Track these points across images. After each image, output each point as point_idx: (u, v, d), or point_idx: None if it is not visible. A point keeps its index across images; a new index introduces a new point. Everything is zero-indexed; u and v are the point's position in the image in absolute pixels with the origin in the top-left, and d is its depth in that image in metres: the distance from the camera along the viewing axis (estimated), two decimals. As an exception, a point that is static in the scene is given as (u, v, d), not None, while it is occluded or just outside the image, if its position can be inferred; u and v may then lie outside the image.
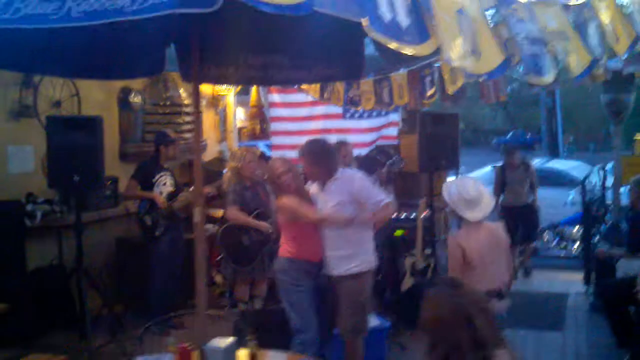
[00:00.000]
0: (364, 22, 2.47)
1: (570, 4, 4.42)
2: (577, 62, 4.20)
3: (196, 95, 3.24)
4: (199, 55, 3.19)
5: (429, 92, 6.81)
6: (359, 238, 4.54)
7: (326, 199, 4.49)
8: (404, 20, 2.70)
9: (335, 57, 3.53)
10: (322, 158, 4.49)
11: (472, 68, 3.15)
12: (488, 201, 4.17)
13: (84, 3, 2.01)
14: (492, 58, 3.26)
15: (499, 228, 4.35)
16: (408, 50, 2.69)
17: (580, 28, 4.35)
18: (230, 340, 3.30)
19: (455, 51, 2.94)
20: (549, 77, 3.83)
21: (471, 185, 4.14)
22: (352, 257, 4.50)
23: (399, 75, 6.74)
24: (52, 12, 2.04)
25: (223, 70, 3.60)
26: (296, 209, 4.45)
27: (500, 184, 8.44)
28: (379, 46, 2.77)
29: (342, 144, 6.23)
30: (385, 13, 2.59)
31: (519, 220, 8.12)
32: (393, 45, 2.63)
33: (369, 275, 4.62)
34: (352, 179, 4.54)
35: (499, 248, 4.20)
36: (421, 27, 2.81)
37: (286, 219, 4.56)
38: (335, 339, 4.87)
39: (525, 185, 8.31)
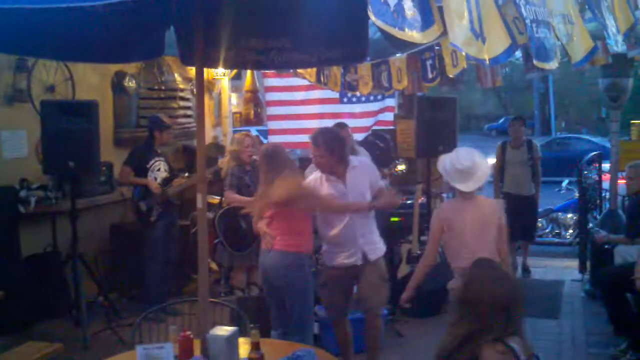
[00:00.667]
0: (370, 13, 2.42)
1: None
2: (578, 48, 4.17)
3: (200, 78, 3.18)
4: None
5: (431, 76, 6.73)
6: (374, 222, 4.64)
7: (347, 189, 4.46)
8: (408, 5, 2.65)
9: (338, 39, 3.46)
10: (337, 147, 4.45)
11: (477, 53, 3.10)
12: (483, 172, 4.03)
13: (87, -18, 1.94)
14: (498, 43, 3.21)
15: (492, 204, 4.21)
16: (412, 38, 2.64)
17: (592, 7, 4.30)
18: (232, 328, 3.25)
19: (461, 36, 2.89)
20: (554, 63, 3.80)
21: (465, 156, 4.01)
22: (379, 240, 4.63)
23: (398, 59, 6.67)
24: (52, -9, 1.97)
25: (223, 54, 3.52)
26: (319, 197, 4.41)
27: (500, 166, 7.77)
28: (385, 32, 2.72)
29: (341, 126, 6.19)
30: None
31: (518, 212, 7.03)
32: (398, 33, 2.58)
33: None
34: (370, 167, 4.63)
35: (486, 225, 4.02)
36: (426, 12, 2.76)
37: (293, 207, 4.35)
38: (326, 324, 4.90)
39: (527, 169, 7.56)
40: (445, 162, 4.06)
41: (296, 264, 4.37)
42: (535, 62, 3.65)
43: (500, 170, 7.80)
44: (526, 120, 8.44)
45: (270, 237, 4.35)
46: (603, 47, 5.39)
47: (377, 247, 4.60)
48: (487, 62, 3.27)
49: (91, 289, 6.05)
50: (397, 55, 6.51)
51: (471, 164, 3.97)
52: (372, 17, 2.45)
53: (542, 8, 3.65)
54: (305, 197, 4.40)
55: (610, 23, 4.41)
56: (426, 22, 2.77)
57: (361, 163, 4.62)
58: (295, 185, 4.36)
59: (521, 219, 7.26)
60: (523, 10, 3.47)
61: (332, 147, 4.42)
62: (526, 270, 7.92)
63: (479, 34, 3.04)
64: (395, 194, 4.73)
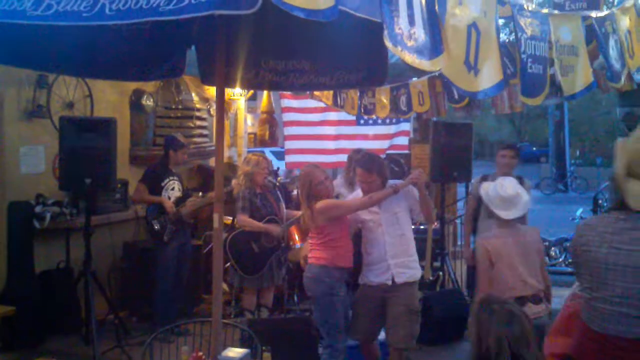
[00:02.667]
0: (387, 41, 2.49)
1: (592, 14, 4.40)
2: (575, 82, 4.21)
3: (220, 98, 3.19)
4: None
5: (457, 97, 6.71)
6: (413, 245, 4.66)
7: (380, 210, 4.57)
8: (420, 33, 2.68)
9: (357, 63, 3.49)
10: (381, 170, 4.58)
11: (467, 86, 3.15)
12: (524, 203, 4.17)
13: (118, 1, 1.96)
14: (490, 76, 3.27)
15: (532, 231, 4.33)
16: (422, 65, 2.67)
17: (600, 40, 4.34)
18: (243, 350, 3.23)
19: (453, 68, 2.92)
20: (539, 98, 3.91)
21: (509, 185, 4.16)
22: (411, 264, 4.59)
23: (420, 82, 6.67)
24: (84, 10, 1.99)
25: (243, 74, 3.55)
26: (341, 203, 4.62)
27: (474, 208, 5.96)
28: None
29: (358, 151, 6.22)
30: (404, 25, 2.57)
31: None
32: (408, 59, 2.61)
33: (417, 283, 4.72)
34: (406, 191, 4.61)
35: (531, 252, 4.14)
36: (436, 41, 2.79)
37: (323, 220, 4.55)
38: (352, 350, 4.84)
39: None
40: (489, 189, 4.19)
41: (314, 275, 4.55)
42: (521, 96, 3.74)
43: (473, 213, 6.03)
44: (534, 149, 8.21)
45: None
46: (627, 74, 5.40)
47: (408, 272, 4.55)
48: (478, 94, 3.34)
49: (102, 306, 6.03)
50: (414, 79, 6.53)
51: (515, 193, 4.13)
52: (387, 43, 2.48)
53: (543, 43, 3.70)
54: (329, 205, 4.56)
55: (614, 57, 4.43)
56: (435, 50, 2.80)
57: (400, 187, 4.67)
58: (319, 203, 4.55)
59: None
60: (523, 45, 3.55)
61: (382, 171, 4.57)
62: None
63: (472, 67, 3.08)
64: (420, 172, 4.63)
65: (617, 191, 2.61)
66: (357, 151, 6.53)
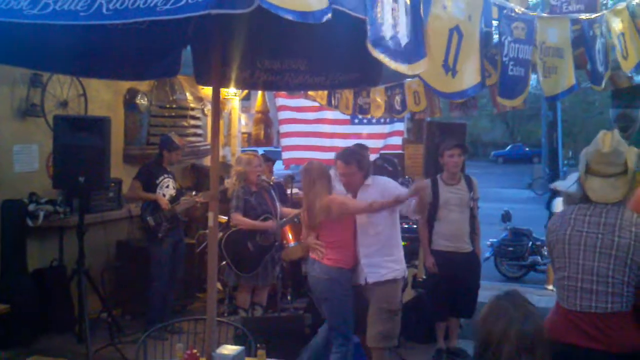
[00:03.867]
0: (368, 43, 2.50)
1: (582, 17, 4.42)
2: (556, 83, 4.23)
3: (216, 98, 3.20)
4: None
5: None
6: (392, 245, 4.62)
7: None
8: (403, 36, 2.70)
9: (353, 64, 3.51)
10: (367, 164, 4.62)
11: (442, 87, 3.17)
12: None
13: (115, 0, 1.97)
14: (468, 79, 3.28)
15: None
16: (399, 68, 2.69)
17: (587, 42, 4.37)
18: (238, 347, 3.24)
19: (430, 70, 2.94)
20: (516, 101, 3.93)
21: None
22: (384, 263, 4.55)
23: (415, 82, 6.68)
24: (81, 9, 2.00)
25: (239, 74, 3.57)
26: (347, 202, 4.52)
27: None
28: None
29: (362, 147, 6.25)
30: (387, 27, 2.59)
31: (456, 278, 5.54)
32: (391, 64, 2.63)
33: (400, 283, 4.67)
34: (382, 185, 4.62)
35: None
36: (419, 46, 2.81)
37: (332, 218, 4.50)
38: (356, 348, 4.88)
39: (465, 216, 5.59)
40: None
41: (331, 276, 4.52)
42: (498, 98, 3.78)
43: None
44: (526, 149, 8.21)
45: (321, 249, 4.55)
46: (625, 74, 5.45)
47: (380, 271, 4.54)
48: (454, 96, 3.38)
49: (95, 304, 6.04)
50: (409, 79, 6.55)
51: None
52: (369, 46, 2.49)
53: (527, 46, 3.73)
54: (336, 205, 4.49)
55: (599, 61, 4.46)
56: (416, 54, 2.81)
57: (375, 181, 4.65)
58: (325, 198, 4.50)
59: (461, 287, 5.59)
60: (506, 48, 3.58)
61: (362, 164, 4.55)
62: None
63: (450, 68, 3.10)
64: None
65: (580, 187, 3.14)
66: (359, 146, 6.57)
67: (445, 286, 5.58)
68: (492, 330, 2.33)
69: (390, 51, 2.61)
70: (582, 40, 4.41)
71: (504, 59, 3.61)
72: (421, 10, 2.83)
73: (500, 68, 3.62)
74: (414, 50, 2.77)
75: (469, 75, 3.26)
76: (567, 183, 4.32)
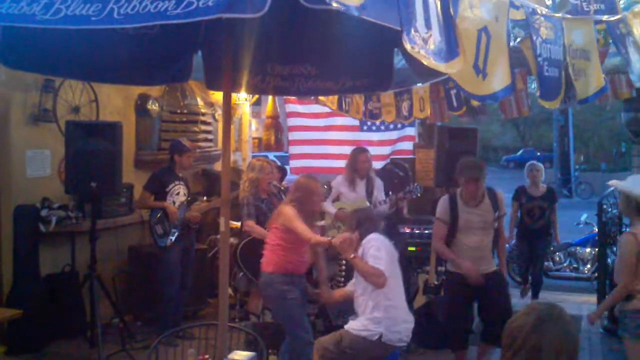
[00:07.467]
0: (404, 38, 2.46)
1: (604, 19, 4.39)
2: (587, 86, 4.21)
3: (227, 103, 3.20)
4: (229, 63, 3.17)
5: (456, 104, 6.72)
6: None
7: None
8: (437, 36, 2.68)
9: (363, 69, 3.50)
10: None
11: (474, 89, 3.15)
12: None
13: (126, 5, 1.97)
14: (498, 81, 3.26)
15: None
16: (438, 67, 2.67)
17: (617, 42, 4.33)
18: (249, 353, 3.23)
19: (461, 71, 2.93)
20: (556, 102, 3.91)
21: None
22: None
23: (422, 88, 6.68)
24: (93, 14, 2.01)
25: (250, 79, 3.57)
26: (295, 222, 4.66)
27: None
28: (411, 60, 2.75)
29: (361, 150, 6.23)
30: (421, 27, 2.57)
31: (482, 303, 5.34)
32: (425, 60, 2.61)
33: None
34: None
35: None
36: (452, 44, 2.79)
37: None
38: None
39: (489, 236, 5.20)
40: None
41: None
42: (539, 100, 3.74)
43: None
44: (538, 154, 8.28)
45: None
46: (627, 80, 5.38)
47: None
48: (485, 98, 3.36)
49: (107, 310, 6.05)
50: (419, 84, 6.54)
51: None
52: (406, 45, 2.46)
53: (557, 46, 3.70)
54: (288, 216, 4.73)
55: (634, 58, 4.41)
56: (451, 53, 2.80)
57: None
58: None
59: (490, 312, 5.17)
60: (539, 48, 3.55)
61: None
62: None
63: (480, 70, 3.08)
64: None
65: None
66: (361, 149, 6.58)
67: (461, 312, 5.24)
68: (538, 347, 2.18)
69: (427, 49, 2.59)
70: (609, 39, 4.40)
71: (538, 59, 3.57)
72: (451, 9, 2.82)
73: (536, 69, 3.58)
74: (448, 49, 2.76)
75: (499, 77, 3.24)
76: (629, 184, 4.38)
